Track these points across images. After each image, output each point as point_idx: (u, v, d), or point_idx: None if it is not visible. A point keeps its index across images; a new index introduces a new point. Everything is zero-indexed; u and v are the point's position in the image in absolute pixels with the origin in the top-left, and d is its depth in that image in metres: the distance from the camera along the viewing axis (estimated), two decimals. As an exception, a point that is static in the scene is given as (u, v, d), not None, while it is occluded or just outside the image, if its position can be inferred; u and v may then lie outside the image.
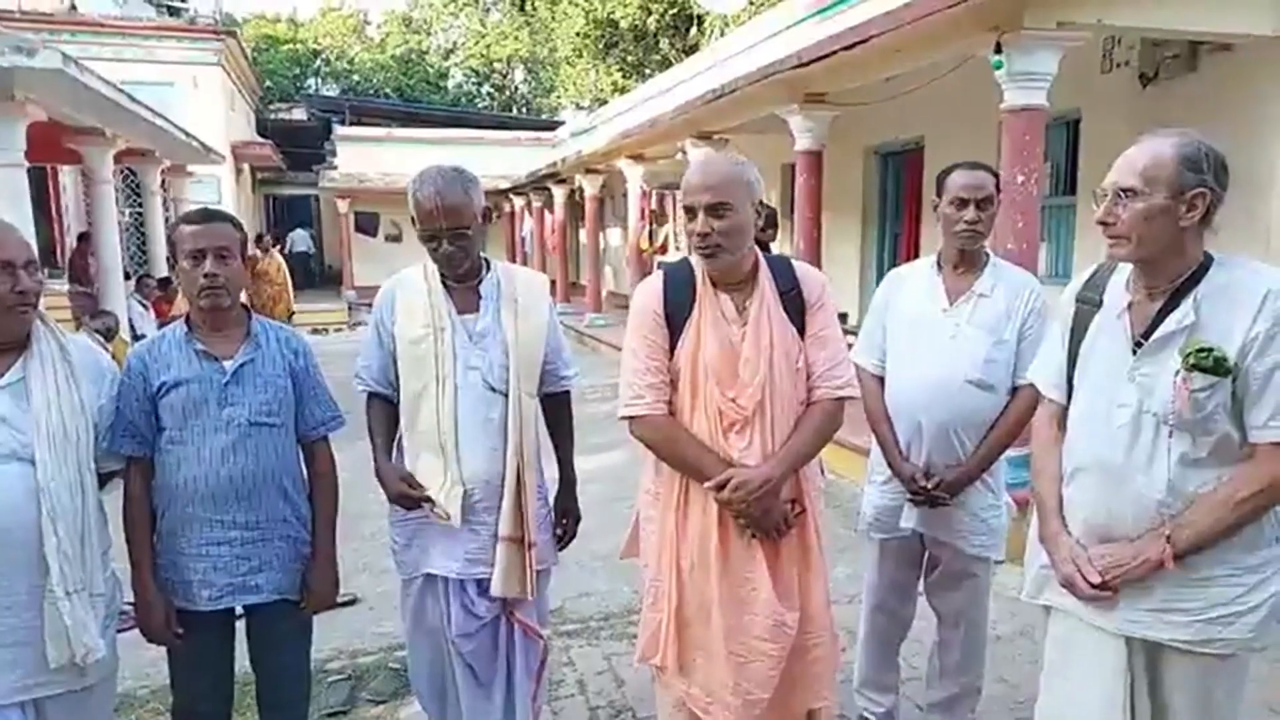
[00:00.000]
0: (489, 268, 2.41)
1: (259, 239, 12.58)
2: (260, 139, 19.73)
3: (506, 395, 2.33)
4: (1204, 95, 5.08)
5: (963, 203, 2.53)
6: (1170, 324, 1.73)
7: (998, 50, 4.26)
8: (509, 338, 2.34)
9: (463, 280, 2.36)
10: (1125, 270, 1.86)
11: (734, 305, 2.10)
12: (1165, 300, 1.76)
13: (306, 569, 2.30)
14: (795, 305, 2.13)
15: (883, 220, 8.88)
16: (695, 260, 2.16)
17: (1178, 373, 1.70)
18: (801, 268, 2.21)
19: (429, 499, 2.31)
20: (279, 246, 21.84)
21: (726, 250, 2.04)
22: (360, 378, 2.45)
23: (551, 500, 2.59)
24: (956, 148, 6.62)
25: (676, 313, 2.11)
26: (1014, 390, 2.56)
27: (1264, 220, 4.64)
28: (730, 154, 2.12)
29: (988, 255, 2.62)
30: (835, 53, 5.31)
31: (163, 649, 2.28)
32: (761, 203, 2.10)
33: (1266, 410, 1.68)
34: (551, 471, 2.57)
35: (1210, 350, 1.67)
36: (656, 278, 2.22)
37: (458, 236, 2.25)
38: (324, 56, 33.31)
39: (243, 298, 2.33)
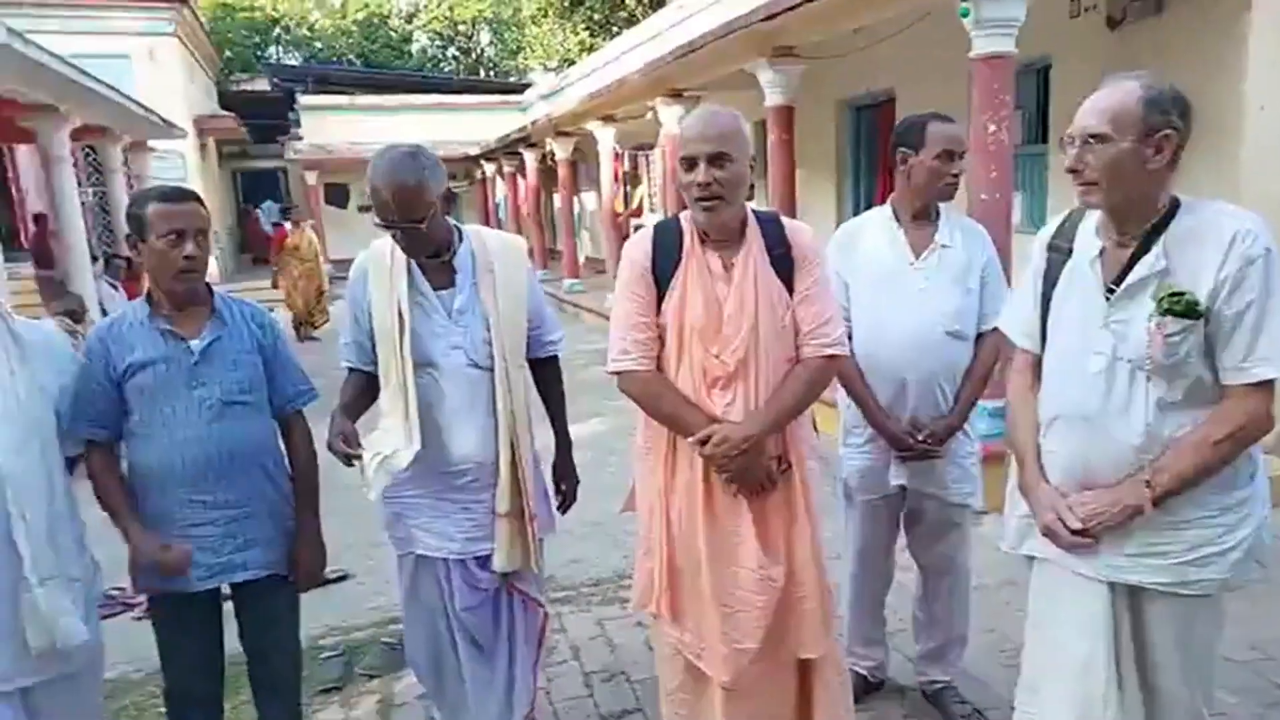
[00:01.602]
0: (461, 238, 2.35)
1: (286, 211, 12.02)
2: (223, 111, 19.30)
3: (493, 371, 2.30)
4: (1171, 38, 5.08)
5: (950, 155, 2.52)
6: (1141, 269, 1.74)
7: (965, -3, 4.22)
8: (489, 311, 2.30)
9: (435, 256, 2.30)
10: (1094, 217, 1.86)
11: (721, 262, 2.10)
12: (1136, 246, 1.77)
13: (293, 544, 2.30)
14: (784, 262, 2.12)
15: (856, 174, 8.85)
16: (684, 217, 2.16)
17: (1151, 318, 1.71)
18: (791, 225, 2.19)
19: (357, 458, 2.19)
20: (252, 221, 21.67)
21: (726, 201, 2.03)
22: (344, 355, 2.41)
23: (549, 467, 2.58)
24: (928, 98, 6.57)
25: (664, 269, 2.11)
26: (980, 337, 2.63)
27: (1232, 162, 4.66)
28: (718, 107, 2.09)
29: (939, 206, 2.65)
30: (803, 3, 5.24)
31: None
32: (754, 158, 2.09)
33: (1238, 352, 1.69)
34: (544, 438, 2.54)
35: (1182, 294, 1.68)
36: (645, 234, 2.22)
37: (411, 226, 2.16)
38: (283, 24, 32.49)
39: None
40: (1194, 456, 1.72)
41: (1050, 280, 1.93)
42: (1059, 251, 1.92)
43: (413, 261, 2.28)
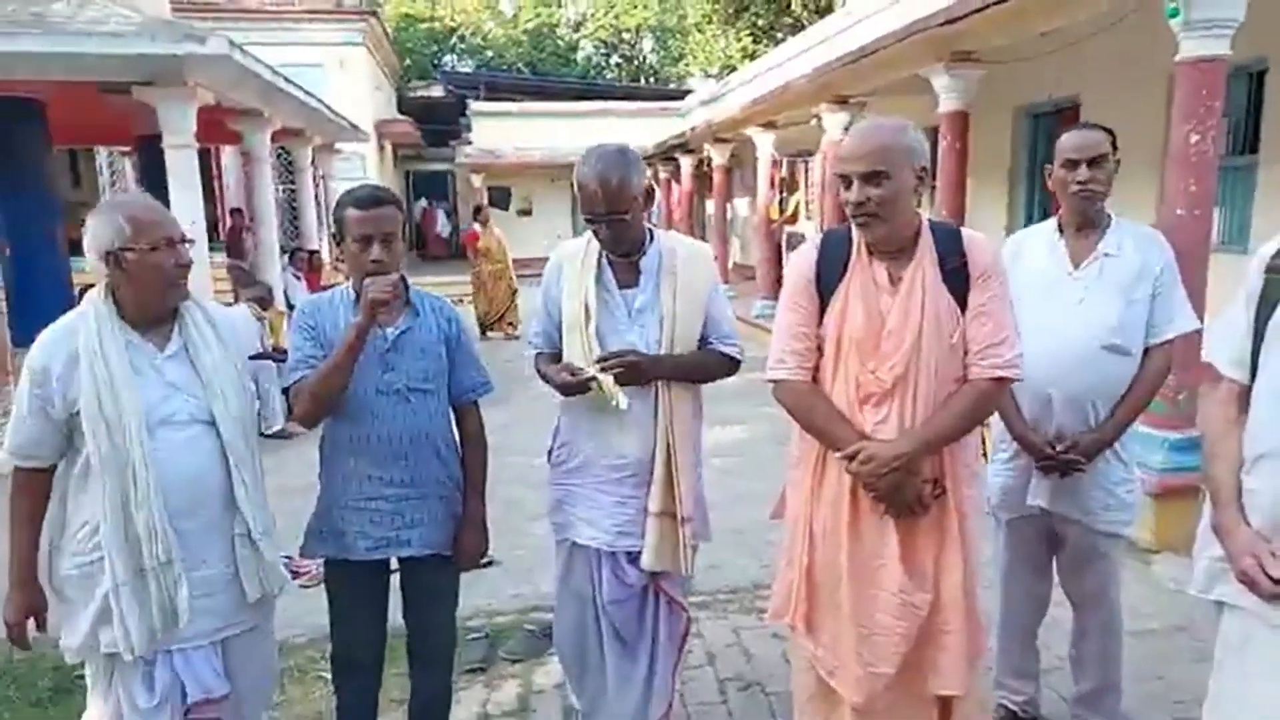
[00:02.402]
0: (652, 239, 2.41)
1: (477, 211, 12.33)
2: (400, 116, 20.54)
3: None
4: None
5: (1073, 164, 2.46)
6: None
7: (1174, -5, 3.89)
8: (665, 312, 2.34)
9: (626, 255, 2.37)
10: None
11: (888, 274, 2.04)
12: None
13: (458, 526, 2.41)
14: (959, 277, 2.02)
15: (1031, 184, 8.37)
16: (855, 227, 2.11)
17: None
18: (971, 237, 2.09)
19: (593, 378, 2.25)
20: (424, 218, 22.95)
21: (882, 219, 1.98)
22: (532, 342, 2.55)
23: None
24: (1116, 105, 6.15)
25: (828, 279, 2.08)
26: (1146, 352, 2.46)
27: None
28: (892, 118, 2.05)
29: (1109, 216, 2.53)
30: (989, 6, 5.00)
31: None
32: (923, 168, 2.01)
33: None
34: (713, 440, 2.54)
35: None
36: (812, 243, 2.20)
37: (616, 220, 2.26)
38: (460, 33, 34.21)
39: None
40: None
41: (1267, 305, 1.74)
42: (1280, 274, 1.73)
43: (604, 259, 2.37)
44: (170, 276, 2.03)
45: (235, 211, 13.84)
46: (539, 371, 2.47)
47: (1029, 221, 8.36)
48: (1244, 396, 1.80)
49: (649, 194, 2.34)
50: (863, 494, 2.02)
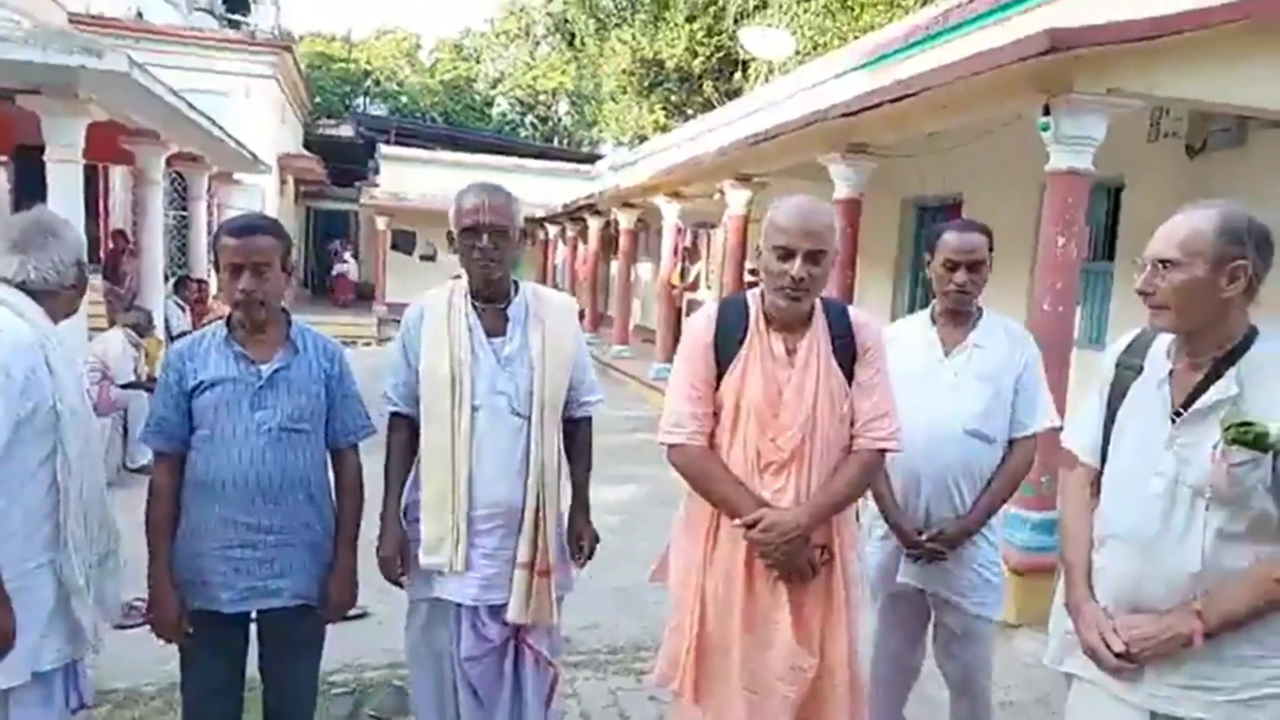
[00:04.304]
0: (517, 290, 2.41)
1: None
2: (306, 153, 20.12)
3: (530, 419, 2.31)
4: (1252, 171, 5.05)
5: (953, 265, 2.54)
6: (1212, 395, 1.71)
7: (1045, 112, 4.26)
8: (534, 360, 2.32)
9: (491, 301, 2.35)
10: (1166, 338, 1.84)
11: (784, 346, 2.10)
12: (1207, 370, 1.74)
13: (326, 576, 2.30)
14: (846, 351, 2.13)
15: (916, 272, 8.85)
16: (751, 296, 2.17)
17: (1216, 445, 1.67)
18: (857, 315, 2.20)
19: (399, 581, 2.38)
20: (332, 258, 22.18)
21: (812, 295, 2.06)
22: (388, 396, 2.43)
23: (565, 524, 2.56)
24: (995, 206, 6.62)
25: (726, 346, 2.12)
26: (1011, 443, 2.57)
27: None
28: (809, 196, 2.12)
29: (980, 309, 2.65)
30: (882, 104, 5.35)
31: (172, 647, 2.29)
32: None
33: None
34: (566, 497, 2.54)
35: (1251, 425, 1.64)
36: (710, 309, 2.24)
37: (499, 234, 2.25)
38: (374, 77, 34.03)
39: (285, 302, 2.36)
40: (1251, 592, 1.66)
41: (1117, 396, 1.90)
42: (1130, 368, 1.90)
43: (472, 307, 2.34)
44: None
45: (118, 233, 13.14)
46: (386, 480, 2.40)
47: (913, 305, 8.82)
48: (1096, 481, 1.95)
49: (524, 234, 2.37)
50: (756, 559, 2.05)
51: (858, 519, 2.34)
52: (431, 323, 2.33)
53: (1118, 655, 1.75)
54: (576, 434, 2.54)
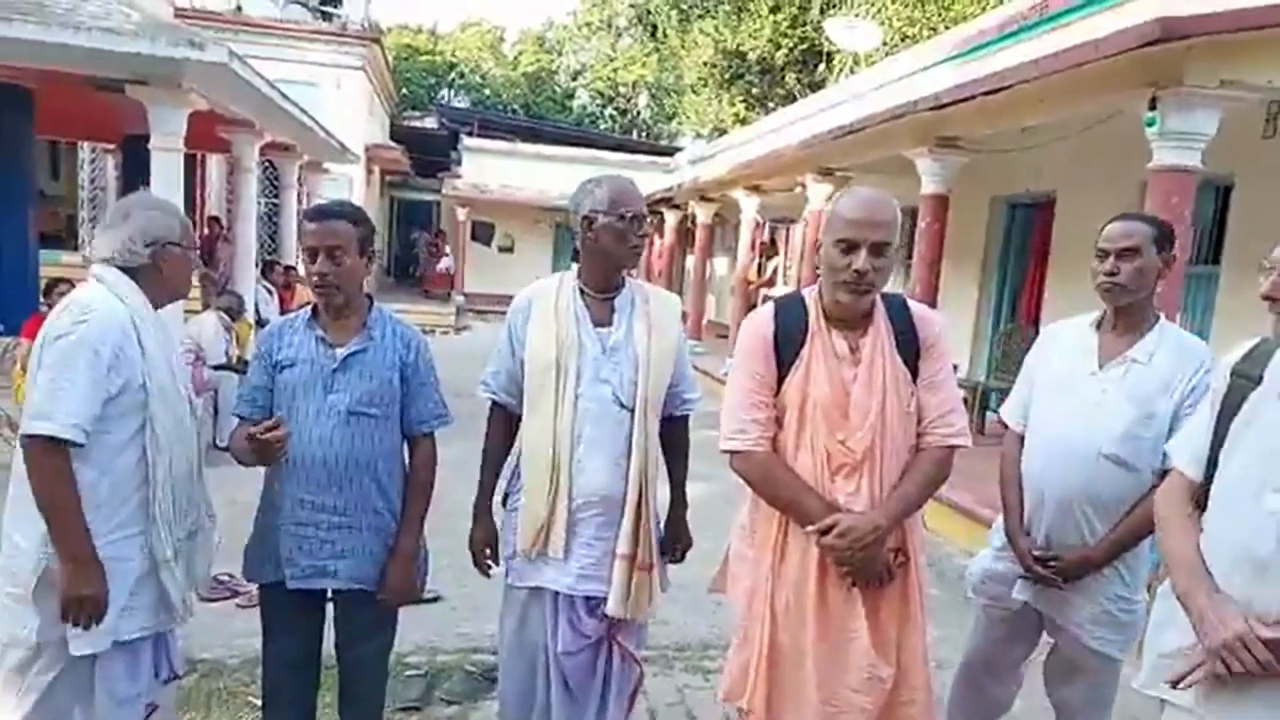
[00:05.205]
0: (624, 282, 2.41)
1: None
2: (392, 143, 20.61)
3: (633, 411, 2.29)
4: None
5: (1104, 254, 2.32)
6: (1343, 410, 1.58)
7: (1152, 106, 4.05)
8: (640, 353, 2.31)
9: (602, 292, 2.36)
10: (1292, 348, 1.72)
11: (847, 344, 2.05)
12: (1338, 384, 1.61)
13: (387, 561, 2.33)
14: (909, 347, 2.06)
15: (1004, 272, 8.57)
16: (809, 294, 2.12)
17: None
18: (918, 308, 2.14)
19: (487, 571, 2.46)
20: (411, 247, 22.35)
21: (875, 290, 2.00)
22: (486, 384, 2.44)
23: (663, 522, 2.54)
24: (1091, 204, 6.35)
25: (787, 347, 2.06)
26: (1164, 474, 2.20)
27: None
28: (878, 190, 2.06)
29: (1157, 317, 2.36)
30: (975, 96, 5.17)
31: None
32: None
33: None
34: (663, 494, 2.51)
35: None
36: (768, 310, 2.17)
37: (641, 219, 2.31)
38: (459, 69, 34.64)
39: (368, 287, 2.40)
40: None
41: (1230, 407, 1.78)
42: (1246, 378, 1.78)
43: (581, 297, 2.35)
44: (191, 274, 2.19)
45: (213, 220, 13.71)
46: (482, 473, 2.45)
47: (998, 307, 8.54)
48: (1194, 492, 1.83)
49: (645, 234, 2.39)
50: (829, 567, 1.99)
51: (923, 521, 2.25)
52: (540, 310, 2.35)
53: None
54: (675, 432, 2.51)
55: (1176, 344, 2.32)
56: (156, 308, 2.14)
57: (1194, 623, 1.67)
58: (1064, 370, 2.41)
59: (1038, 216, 8.06)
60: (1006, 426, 2.56)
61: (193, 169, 14.59)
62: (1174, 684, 1.70)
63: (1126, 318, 2.35)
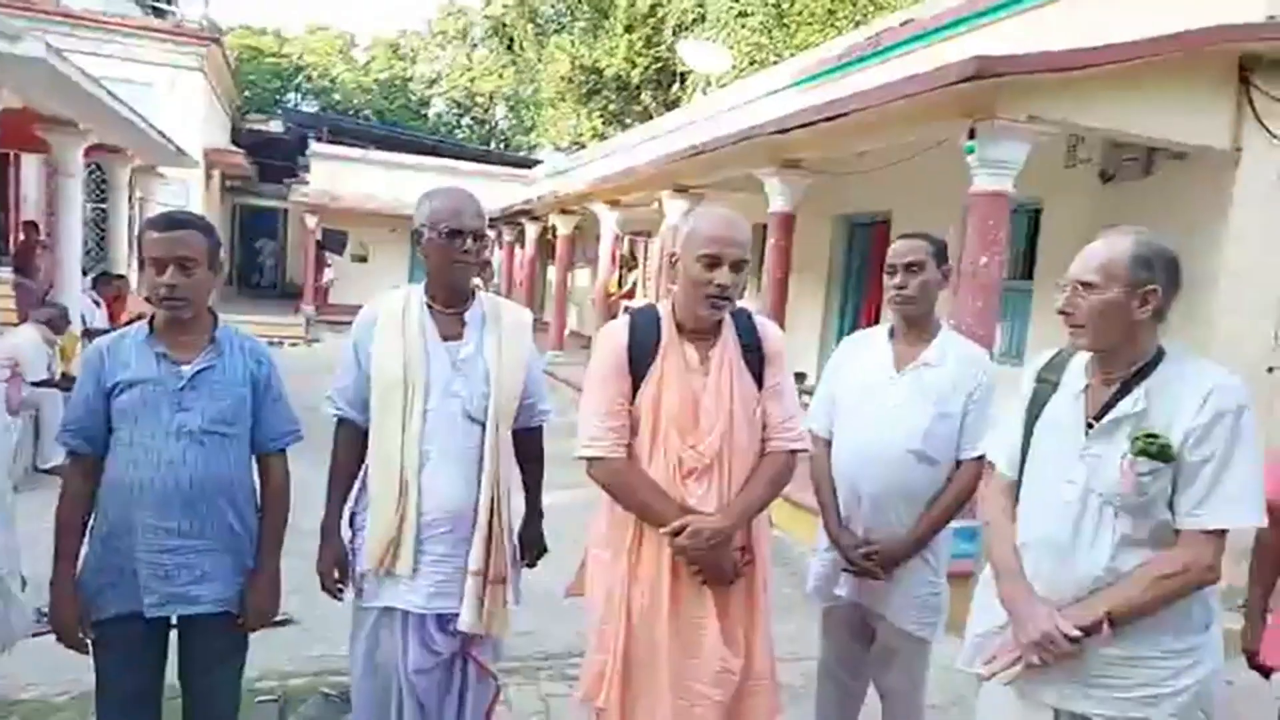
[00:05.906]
0: (473, 296, 2.40)
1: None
2: (234, 148, 19.56)
3: (484, 425, 2.30)
4: (1157, 198, 5.34)
5: (892, 270, 2.57)
6: (1122, 409, 1.83)
7: (971, 136, 4.45)
8: (491, 366, 2.32)
9: (450, 305, 2.35)
10: (1084, 355, 1.96)
11: (697, 354, 2.15)
12: (1119, 386, 1.86)
13: (248, 583, 2.25)
14: (755, 357, 2.19)
15: (845, 286, 9.08)
16: (662, 307, 2.22)
17: (1124, 455, 1.79)
18: (762, 321, 2.27)
19: (337, 593, 2.40)
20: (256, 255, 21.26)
21: (732, 303, 2.12)
22: (332, 399, 2.39)
23: (517, 533, 2.55)
24: (922, 224, 6.81)
25: (640, 357, 2.14)
26: (958, 464, 2.55)
27: (1205, 316, 4.86)
28: (731, 210, 2.17)
29: (939, 325, 2.63)
30: (815, 123, 5.48)
31: (87, 655, 2.21)
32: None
33: (1193, 499, 1.77)
34: (518, 504, 2.53)
35: (1157, 437, 1.76)
36: (623, 321, 2.25)
37: (478, 236, 2.28)
38: (306, 73, 33.30)
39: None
40: (1138, 587, 1.77)
41: (1035, 409, 2.01)
42: (1047, 383, 2.01)
43: (427, 311, 2.33)
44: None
45: (29, 225, 12.57)
46: (329, 490, 2.39)
47: (843, 319, 9.03)
48: (1014, 490, 2.06)
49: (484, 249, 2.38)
50: (682, 567, 2.09)
51: (770, 521, 2.40)
52: (385, 325, 2.31)
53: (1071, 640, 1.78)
54: (529, 443, 2.53)
55: (959, 348, 2.60)
56: None
57: (1013, 622, 1.90)
58: (865, 378, 2.63)
59: (876, 234, 8.60)
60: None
61: (4, 170, 13.35)
62: (991, 675, 1.92)
63: (916, 326, 2.60)
